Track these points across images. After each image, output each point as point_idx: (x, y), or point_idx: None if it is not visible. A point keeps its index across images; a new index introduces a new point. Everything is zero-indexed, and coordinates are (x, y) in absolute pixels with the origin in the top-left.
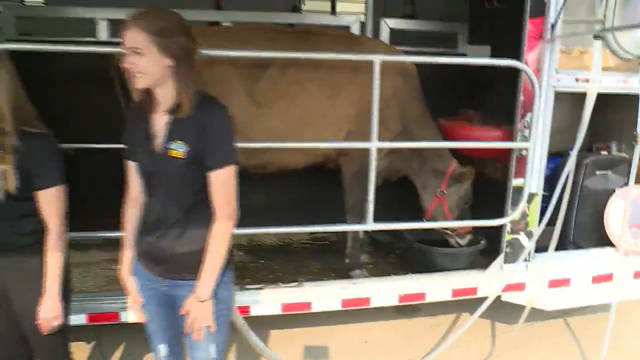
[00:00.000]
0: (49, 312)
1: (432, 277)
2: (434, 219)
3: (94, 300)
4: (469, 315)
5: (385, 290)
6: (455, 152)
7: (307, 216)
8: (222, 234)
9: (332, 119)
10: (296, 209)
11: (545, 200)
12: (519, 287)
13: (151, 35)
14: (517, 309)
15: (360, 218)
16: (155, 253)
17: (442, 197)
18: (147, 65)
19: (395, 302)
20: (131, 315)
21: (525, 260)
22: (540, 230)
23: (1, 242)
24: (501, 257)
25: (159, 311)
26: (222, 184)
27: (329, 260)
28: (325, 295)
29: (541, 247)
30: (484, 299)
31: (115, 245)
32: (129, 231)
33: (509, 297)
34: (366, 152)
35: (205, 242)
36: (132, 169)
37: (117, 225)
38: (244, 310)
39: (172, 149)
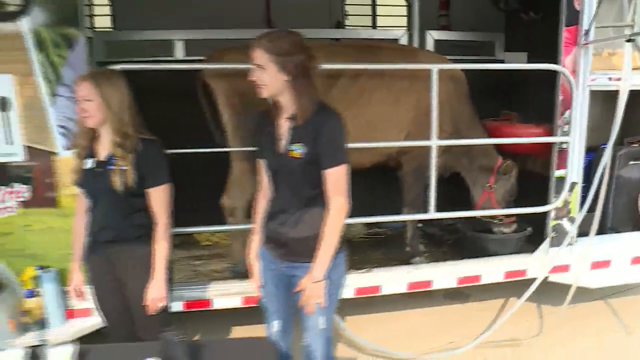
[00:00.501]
0: (156, 293)
1: (486, 261)
2: (483, 209)
3: (189, 289)
4: (516, 299)
5: (445, 273)
6: (499, 150)
7: (364, 211)
8: (335, 224)
9: (394, 122)
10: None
11: (583, 191)
12: (564, 268)
13: (272, 55)
14: (561, 292)
15: (419, 210)
16: (277, 238)
17: (490, 192)
18: (268, 79)
19: (453, 284)
20: (221, 302)
21: (569, 244)
22: (582, 216)
23: (117, 233)
24: (547, 242)
25: (277, 291)
26: (335, 180)
27: (386, 251)
28: (392, 279)
29: (582, 233)
30: (531, 283)
31: (191, 244)
32: (258, 220)
33: (555, 277)
34: (424, 150)
35: (320, 230)
36: (262, 166)
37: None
38: None
39: (292, 150)
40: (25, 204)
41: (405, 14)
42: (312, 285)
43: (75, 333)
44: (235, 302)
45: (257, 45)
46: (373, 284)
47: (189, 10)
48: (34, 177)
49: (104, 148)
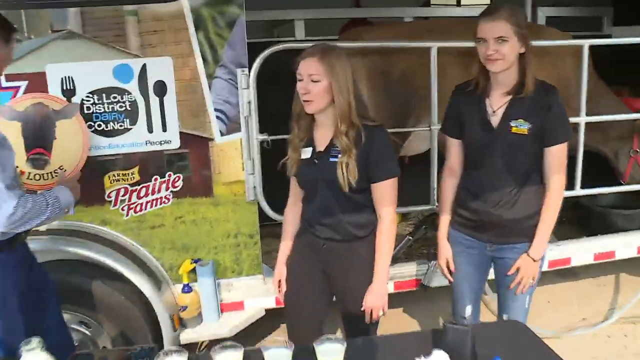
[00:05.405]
0: (378, 299)
1: (620, 236)
2: (633, 178)
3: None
4: (626, 275)
5: (583, 249)
6: None
7: None
8: (557, 202)
9: None
10: None
11: None
12: None
13: (514, 27)
14: None
15: None
16: (484, 219)
17: (636, 157)
18: (508, 51)
19: (590, 260)
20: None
21: None
22: None
23: (338, 232)
24: None
25: (475, 273)
26: (559, 158)
27: None
28: None
29: None
30: None
31: None
32: (446, 201)
33: None
34: None
35: (538, 208)
36: (456, 145)
37: None
38: None
39: (514, 126)
40: (179, 194)
41: None
42: (531, 265)
43: (232, 329)
44: None
45: (499, 18)
46: None
47: None
48: (189, 166)
49: (324, 137)
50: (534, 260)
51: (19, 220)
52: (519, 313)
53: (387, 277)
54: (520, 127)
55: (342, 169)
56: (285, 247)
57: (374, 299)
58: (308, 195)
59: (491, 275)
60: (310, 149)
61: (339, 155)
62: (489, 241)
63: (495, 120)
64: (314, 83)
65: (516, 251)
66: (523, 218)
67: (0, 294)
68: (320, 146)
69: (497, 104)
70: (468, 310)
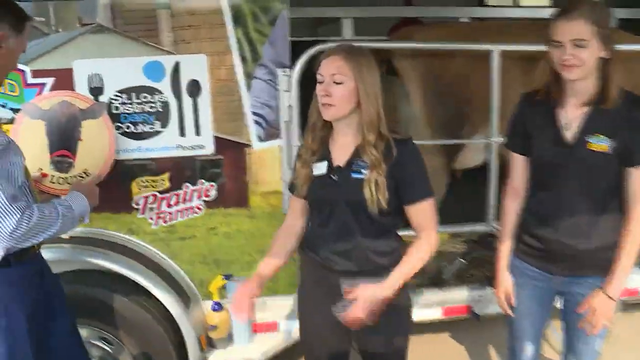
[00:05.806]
0: (361, 307)
1: None
2: None
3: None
4: None
5: None
6: None
7: None
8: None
9: None
10: None
11: None
12: None
13: (596, 27)
14: None
15: None
16: (554, 248)
17: None
18: (587, 57)
19: None
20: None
21: None
22: None
23: (356, 262)
24: None
25: (539, 309)
26: None
27: None
28: None
29: None
30: None
31: None
32: (509, 223)
33: None
34: None
35: (618, 239)
36: (520, 162)
37: None
38: None
39: (593, 142)
40: (211, 204)
41: None
42: (607, 304)
43: (264, 352)
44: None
45: (577, 17)
46: None
47: None
48: (223, 173)
49: (343, 149)
50: (611, 299)
51: (23, 236)
52: (589, 357)
53: (390, 289)
54: (600, 143)
55: (370, 188)
56: (263, 270)
57: (360, 301)
58: (320, 219)
59: None
60: (325, 163)
61: (364, 171)
62: (557, 273)
63: (569, 135)
64: (336, 85)
65: (588, 286)
66: (600, 249)
67: (4, 307)
68: (339, 160)
69: (572, 116)
70: (529, 349)
